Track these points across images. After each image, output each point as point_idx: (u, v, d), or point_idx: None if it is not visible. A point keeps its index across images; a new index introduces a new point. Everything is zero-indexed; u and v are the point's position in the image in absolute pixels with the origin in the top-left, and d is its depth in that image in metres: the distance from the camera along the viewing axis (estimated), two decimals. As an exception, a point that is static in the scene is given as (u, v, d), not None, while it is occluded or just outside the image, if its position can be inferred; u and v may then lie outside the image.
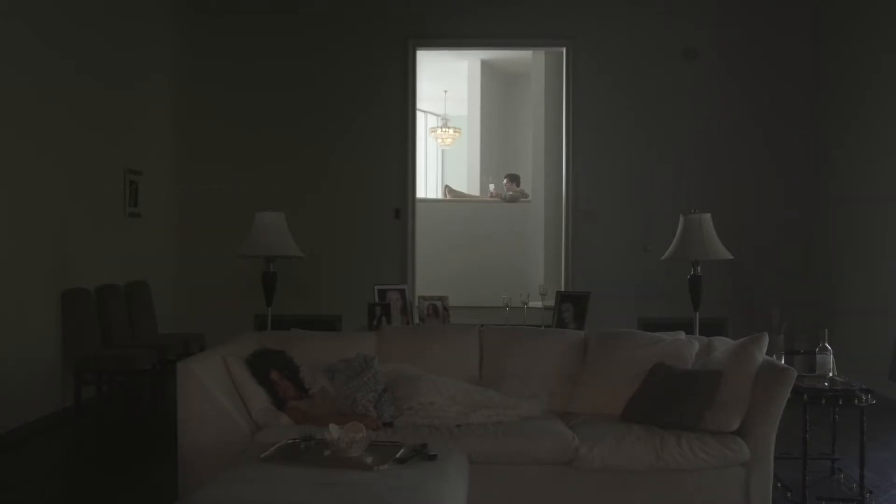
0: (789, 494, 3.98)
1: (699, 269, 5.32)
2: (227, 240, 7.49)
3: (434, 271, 8.63)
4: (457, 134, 14.15)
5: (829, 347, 4.18)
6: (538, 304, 9.27)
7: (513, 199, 10.33)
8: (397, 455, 3.33)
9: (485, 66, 12.75)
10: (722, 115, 7.82)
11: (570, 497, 3.80)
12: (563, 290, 8.06)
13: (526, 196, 10.40)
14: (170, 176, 7.85)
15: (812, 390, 3.95)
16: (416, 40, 7.90)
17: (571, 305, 5.35)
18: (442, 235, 9.33)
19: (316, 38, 7.92)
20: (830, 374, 4.14)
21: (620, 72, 7.86)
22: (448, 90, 13.24)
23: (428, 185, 13.41)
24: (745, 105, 7.82)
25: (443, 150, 14.88)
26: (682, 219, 5.30)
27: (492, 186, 10.93)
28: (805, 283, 7.67)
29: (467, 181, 13.31)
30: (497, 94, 12.93)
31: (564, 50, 7.99)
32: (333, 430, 3.35)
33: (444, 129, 14.05)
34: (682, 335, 4.74)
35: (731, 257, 5.27)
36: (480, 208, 10.51)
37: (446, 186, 11.09)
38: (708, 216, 5.25)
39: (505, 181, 10.63)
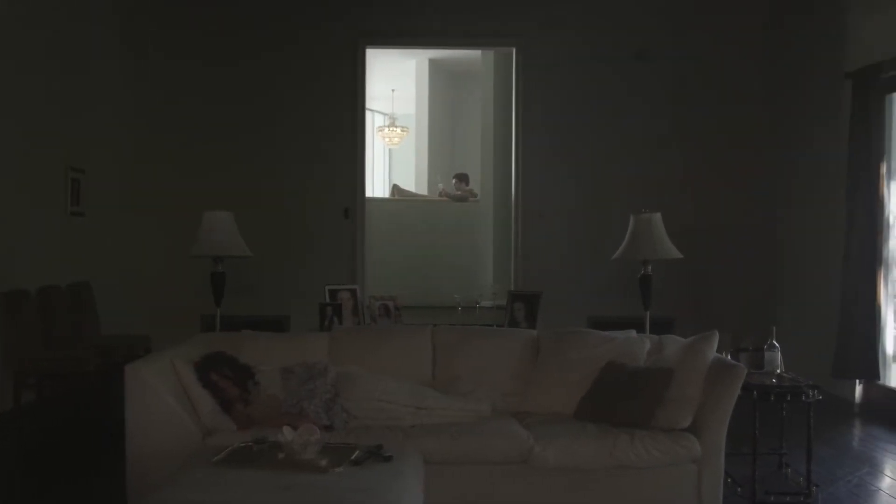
0: (739, 490, 4.05)
1: (649, 268, 5.39)
2: (174, 240, 7.38)
3: (383, 271, 8.60)
4: (404, 133, 14.13)
5: (777, 345, 4.27)
6: (488, 303, 9.32)
7: (462, 199, 10.34)
8: (352, 457, 3.30)
9: (433, 65, 12.74)
10: (671, 116, 7.93)
11: (525, 496, 3.81)
12: (512, 289, 8.12)
13: (475, 195, 10.43)
14: (115, 175, 7.66)
15: (761, 387, 4.03)
16: (366, 39, 7.85)
17: (523, 305, 5.37)
18: (391, 235, 9.29)
19: (265, 37, 7.82)
20: (778, 371, 4.23)
21: (570, 72, 7.91)
22: (395, 89, 13.21)
23: (375, 184, 13.34)
24: (694, 107, 7.93)
25: (389, 150, 14.85)
26: (632, 219, 5.36)
27: (441, 186, 10.93)
28: (751, 282, 7.82)
29: (415, 180, 13.29)
30: (445, 93, 12.94)
31: (514, 50, 8.01)
32: (287, 433, 3.31)
33: (391, 129, 14.02)
34: (633, 333, 4.79)
35: (680, 256, 5.34)
36: (429, 208, 10.50)
37: (394, 186, 11.05)
38: (658, 216, 5.31)
39: (454, 180, 10.64)
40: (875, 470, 5.06)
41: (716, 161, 7.92)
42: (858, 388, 6.38)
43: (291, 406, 3.95)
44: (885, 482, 4.89)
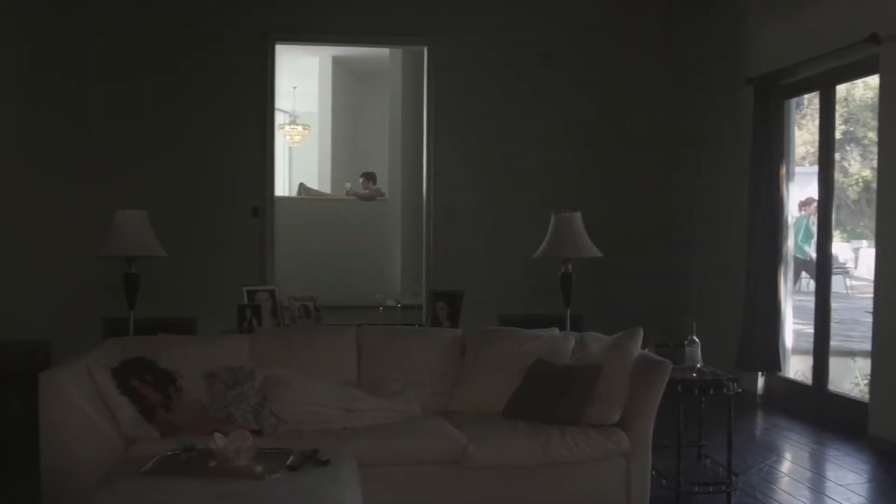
0: (664, 482, 4.16)
1: (570, 266, 5.47)
2: (74, 240, 7.04)
3: (292, 271, 8.44)
4: (306, 131, 13.92)
5: (697, 340, 4.40)
6: (393, 302, 9.27)
7: (369, 198, 10.27)
8: (288, 462, 3.21)
9: (336, 62, 12.59)
10: (581, 117, 8.07)
11: (459, 495, 3.81)
12: (425, 289, 8.11)
13: (383, 194, 10.37)
14: (5, 174, 7.23)
15: (685, 381, 4.14)
16: (276, 34, 7.67)
17: (445, 304, 5.36)
18: (299, 234, 9.13)
19: (172, 31, 7.52)
20: (698, 366, 4.36)
21: (482, 71, 7.94)
22: (297, 86, 12.99)
23: (276, 183, 13.07)
24: (600, 108, 8.10)
25: (290, 148, 14.60)
26: (553, 218, 5.43)
27: (348, 185, 10.82)
28: (657, 280, 8.05)
29: (318, 179, 13.11)
30: (350, 91, 12.80)
31: (426, 49, 7.99)
32: (219, 439, 3.19)
33: (292, 127, 13.79)
34: (556, 331, 4.86)
35: (600, 255, 5.45)
36: (337, 207, 10.38)
37: (301, 185, 10.86)
38: (578, 215, 5.40)
39: (361, 179, 10.55)
40: (780, 457, 5.31)
41: (622, 161, 8.10)
42: (760, 380, 6.66)
43: (218, 411, 3.83)
44: (791, 468, 5.14)
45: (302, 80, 12.66)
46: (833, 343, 6.22)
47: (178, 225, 7.03)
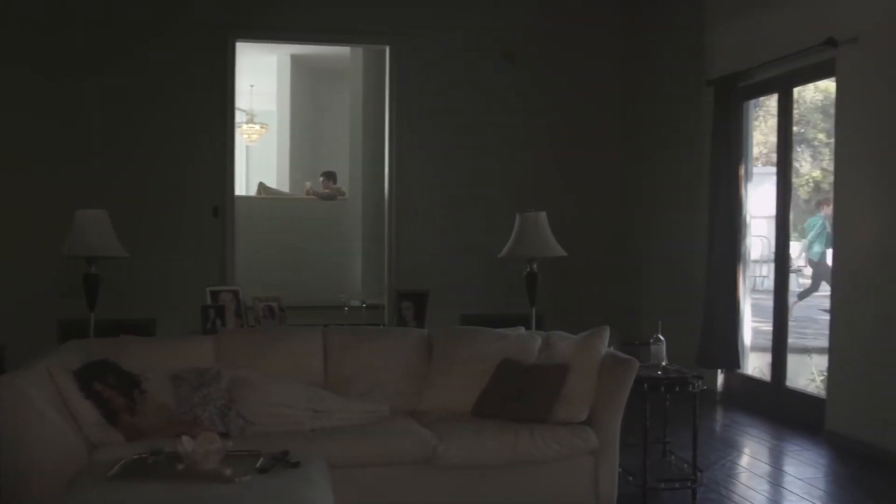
0: (631, 479, 4.20)
1: (535, 265, 5.49)
2: (30, 241, 6.88)
3: (252, 271, 8.35)
4: (263, 130, 13.79)
5: (662, 338, 4.45)
6: (356, 302, 9.22)
7: (330, 197, 10.21)
8: (257, 464, 3.18)
9: (295, 60, 12.50)
10: (543, 117, 8.11)
11: (429, 495, 3.80)
12: (386, 288, 8.08)
13: (343, 194, 10.32)
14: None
15: (651, 379, 4.18)
16: (237, 32, 7.57)
17: (411, 304, 5.35)
18: (259, 234, 9.04)
19: (132, 28, 7.37)
20: (664, 364, 4.41)
21: (444, 71, 7.94)
22: (254, 84, 12.85)
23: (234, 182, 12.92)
24: (564, 108, 8.15)
25: (247, 147, 14.45)
26: (518, 217, 5.44)
27: (308, 184, 10.74)
28: (618, 280, 8.13)
29: (276, 179, 13.00)
30: (309, 89, 12.73)
31: (388, 48, 7.96)
32: (187, 443, 3.14)
33: (249, 125, 13.65)
34: (522, 330, 4.88)
35: (565, 254, 5.48)
36: (297, 206, 10.31)
37: (260, 184, 10.75)
38: (543, 215, 5.43)
39: (321, 179, 10.48)
40: (741, 453, 5.40)
41: (584, 161, 8.16)
42: (720, 377, 6.77)
43: (184, 414, 3.77)
44: (752, 463, 5.23)
45: (259, 78, 12.53)
46: (789, 340, 6.35)
47: (136, 225, 6.89)
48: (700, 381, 4.22)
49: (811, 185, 10.76)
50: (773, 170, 6.53)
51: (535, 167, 8.07)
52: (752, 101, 6.74)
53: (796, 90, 6.30)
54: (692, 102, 7.02)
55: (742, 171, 6.52)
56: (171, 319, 6.84)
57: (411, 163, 7.98)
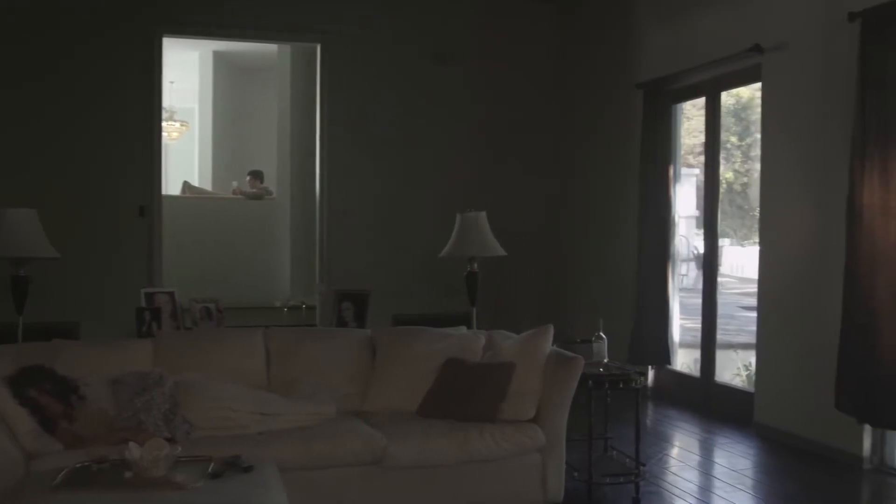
0: (576, 474, 4.26)
1: (475, 265, 5.52)
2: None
3: (179, 271, 8.14)
4: (183, 128, 13.46)
5: (604, 336, 4.53)
6: (280, 303, 9.11)
7: (257, 197, 10.05)
8: (209, 470, 3.11)
9: (218, 57, 12.24)
10: (476, 117, 8.15)
11: (380, 496, 3.79)
12: (317, 288, 7.99)
13: (270, 193, 10.18)
14: None
15: (595, 376, 4.25)
16: (164, 27, 7.37)
17: (352, 304, 5.31)
18: (185, 234, 8.83)
19: (55, 24, 7.09)
20: (605, 361, 4.49)
21: (377, 70, 7.90)
22: (174, 81, 12.52)
23: (157, 181, 12.56)
24: (497, 108, 8.21)
25: (166, 145, 14.06)
26: (459, 217, 5.47)
27: (234, 183, 10.54)
28: (550, 278, 8.24)
29: (198, 177, 12.71)
30: (233, 87, 12.48)
31: (319, 46, 7.88)
32: (134, 449, 3.05)
33: (169, 123, 13.29)
34: (464, 330, 4.91)
35: (505, 254, 5.53)
36: (224, 206, 10.10)
37: (185, 183, 10.49)
38: (483, 214, 5.46)
39: (248, 178, 10.31)
40: (676, 446, 5.55)
41: (518, 161, 8.24)
42: (651, 373, 6.93)
43: (126, 420, 3.65)
44: (687, 456, 5.38)
45: (180, 74, 12.22)
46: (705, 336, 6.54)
47: (60, 225, 6.60)
48: (642, 378, 4.31)
49: (724, 185, 11.13)
50: (691, 171, 6.72)
51: (469, 166, 8.10)
52: (680, 104, 6.92)
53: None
54: (623, 104, 7.16)
55: (671, 172, 6.69)
56: (98, 322, 6.63)
57: (343, 162, 7.92)
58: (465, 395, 4.12)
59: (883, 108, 4.50)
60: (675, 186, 6.78)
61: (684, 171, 7.11)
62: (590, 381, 4.21)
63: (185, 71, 12.14)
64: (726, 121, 9.95)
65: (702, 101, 6.57)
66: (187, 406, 3.76)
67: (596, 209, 7.72)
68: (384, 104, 7.94)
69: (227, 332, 4.67)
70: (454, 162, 8.11)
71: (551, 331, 4.27)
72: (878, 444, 4.82)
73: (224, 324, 5.09)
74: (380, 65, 7.92)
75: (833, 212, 4.92)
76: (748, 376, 6.92)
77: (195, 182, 12.05)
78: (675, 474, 4.83)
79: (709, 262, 6.48)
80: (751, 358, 7.39)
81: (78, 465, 3.13)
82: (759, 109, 5.87)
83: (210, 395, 3.84)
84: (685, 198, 7.35)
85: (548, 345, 4.22)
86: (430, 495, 3.85)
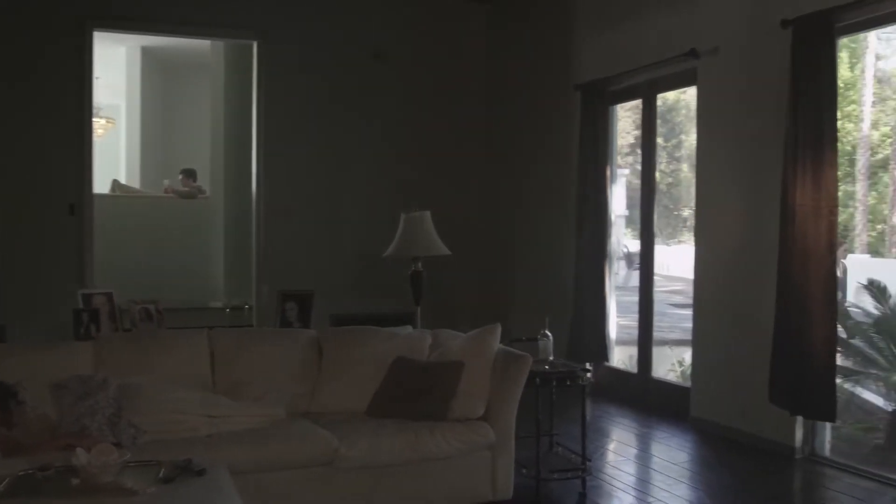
0: (524, 471, 4.31)
1: (420, 264, 5.53)
2: None
3: (111, 272, 7.93)
4: (109, 124, 13.10)
5: (549, 334, 4.60)
6: (218, 304, 8.97)
7: (190, 196, 9.85)
8: (160, 474, 3.05)
9: (146, 53, 11.95)
10: (414, 116, 8.17)
11: (332, 497, 3.77)
12: (254, 289, 7.90)
13: (203, 192, 9.99)
14: None
15: (543, 373, 4.32)
16: (94, 21, 7.17)
17: (296, 304, 5.26)
18: (117, 233, 8.60)
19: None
20: (551, 358, 4.56)
21: (315, 67, 7.84)
22: (99, 76, 12.16)
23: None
24: (435, 108, 8.24)
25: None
26: (403, 217, 5.47)
27: (166, 182, 10.31)
28: (489, 277, 8.31)
29: (126, 175, 12.38)
30: (162, 83, 12.20)
31: (256, 44, 7.77)
32: (81, 455, 2.96)
33: (95, 119, 12.91)
34: (409, 329, 4.93)
35: (449, 253, 5.55)
36: (155, 205, 9.87)
37: (114, 181, 10.21)
38: (428, 214, 5.48)
39: (181, 176, 10.09)
40: (617, 441, 5.67)
41: (457, 160, 8.30)
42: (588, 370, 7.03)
43: (70, 425, 3.55)
44: (628, 451, 5.51)
45: (105, 70, 11.87)
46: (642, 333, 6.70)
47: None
48: (588, 375, 4.39)
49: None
50: (621, 171, 6.84)
51: (408, 165, 8.12)
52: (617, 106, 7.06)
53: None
54: (560, 105, 7.27)
55: (608, 172, 6.81)
56: (28, 325, 6.39)
57: (280, 161, 7.84)
58: (415, 394, 4.14)
59: (814, 113, 4.67)
60: (612, 187, 6.91)
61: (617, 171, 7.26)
62: (537, 379, 4.27)
63: (112, 66, 11.81)
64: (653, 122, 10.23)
65: (630, 102, 6.71)
66: (133, 410, 3.68)
67: (535, 209, 7.81)
68: (322, 102, 7.89)
69: (171, 334, 4.58)
70: (393, 161, 8.11)
71: (499, 329, 4.31)
72: (809, 435, 5.02)
73: (165, 325, 4.99)
74: (317, 63, 7.87)
75: (766, 212, 5.10)
76: (682, 372, 7.11)
77: (123, 180, 11.74)
78: (618, 468, 4.94)
79: (645, 261, 6.63)
80: (684, 354, 7.61)
81: (21, 473, 3.03)
82: (684, 111, 6.04)
83: (156, 398, 3.76)
84: (616, 197, 7.50)
85: (496, 343, 4.27)
86: (381, 494, 3.85)
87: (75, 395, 3.65)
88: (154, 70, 12.14)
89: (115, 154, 12.87)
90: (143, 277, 8.21)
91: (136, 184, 11.79)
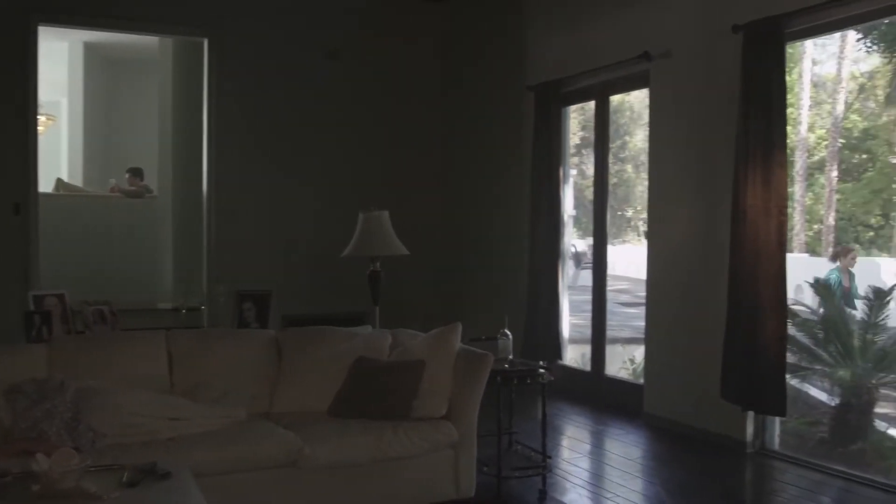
0: (485, 469, 4.34)
1: (378, 264, 5.52)
2: None
3: (56, 273, 7.74)
4: (50, 121, 12.77)
5: (509, 333, 4.64)
6: (168, 305, 8.82)
7: (137, 195, 9.67)
8: (124, 478, 3.00)
9: (89, 48, 11.68)
10: (369, 116, 8.15)
11: (296, 498, 3.75)
12: (205, 289, 7.79)
13: (151, 191, 9.81)
14: None
15: (503, 372, 4.35)
16: (40, 15, 6.99)
17: (253, 305, 5.21)
18: (62, 233, 8.39)
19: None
20: (510, 357, 4.60)
21: (268, 66, 7.77)
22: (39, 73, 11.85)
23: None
24: (390, 108, 8.23)
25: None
26: (361, 216, 5.45)
27: (112, 181, 10.10)
28: (443, 276, 8.33)
29: (68, 174, 12.09)
30: (105, 80, 11.94)
31: (206, 41, 7.66)
32: (41, 461, 2.90)
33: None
34: (369, 329, 4.93)
35: (408, 253, 5.55)
36: (101, 204, 9.65)
37: (58, 180, 9.96)
38: (386, 214, 5.47)
39: (127, 175, 9.89)
40: (573, 439, 5.75)
41: (412, 160, 8.30)
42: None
43: (26, 430, 3.47)
44: (584, 448, 5.58)
45: (46, 65, 11.55)
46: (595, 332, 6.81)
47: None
48: (547, 373, 4.45)
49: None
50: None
51: (362, 164, 8.10)
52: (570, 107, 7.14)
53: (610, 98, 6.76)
54: (514, 105, 7.33)
55: (561, 173, 6.89)
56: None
57: (232, 160, 7.75)
58: (378, 394, 4.14)
59: (765, 115, 4.81)
60: (564, 187, 6.99)
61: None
62: (498, 378, 4.31)
63: (52, 62, 11.51)
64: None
65: (575, 104, 6.82)
66: (92, 414, 3.60)
67: (490, 209, 7.86)
68: (275, 101, 7.83)
69: (127, 336, 4.51)
70: (347, 160, 8.08)
71: (459, 328, 4.35)
72: (760, 430, 5.16)
73: (119, 327, 4.89)
74: (270, 61, 7.80)
75: (718, 212, 5.22)
76: (634, 369, 7.23)
77: (65, 178, 11.46)
78: (576, 465, 5.01)
79: (598, 261, 6.73)
80: (635, 352, 7.74)
81: (-22, 480, 2.96)
82: (628, 113, 6.14)
83: (116, 401, 3.69)
84: (567, 198, 7.59)
85: (457, 342, 4.30)
86: (346, 494, 3.85)
87: (31, 399, 3.57)
88: (98, 66, 11.88)
89: (55, 152, 12.56)
90: (90, 278, 8.02)
91: (78, 183, 11.53)
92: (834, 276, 7.16)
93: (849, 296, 6.93)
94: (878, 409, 6.00)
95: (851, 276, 7.36)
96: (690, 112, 5.62)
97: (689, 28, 5.59)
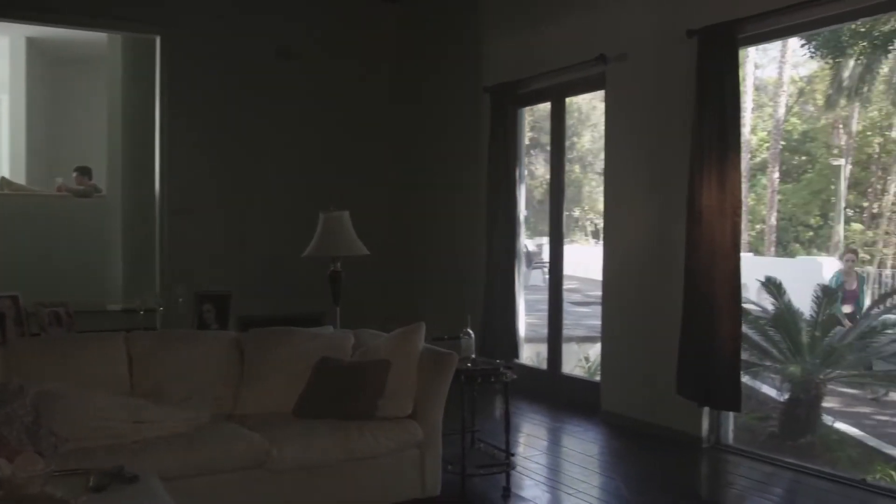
0: (450, 467, 4.37)
1: (339, 264, 5.51)
2: None
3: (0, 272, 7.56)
4: (-11, 118, 12.46)
5: (471, 332, 4.68)
6: (117, 307, 8.66)
7: (84, 194, 9.46)
8: (90, 483, 2.96)
9: (32, 44, 11.39)
10: (320, 115, 8.11)
11: (264, 499, 3.73)
12: (158, 290, 7.67)
13: (99, 191, 9.61)
14: None
15: (467, 371, 4.39)
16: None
17: (213, 306, 5.16)
18: (5, 233, 8.18)
19: None
20: (473, 356, 4.64)
21: (221, 64, 7.68)
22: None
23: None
24: (342, 106, 8.20)
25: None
26: (322, 216, 5.44)
27: (59, 179, 9.87)
28: (399, 276, 8.32)
29: (10, 172, 11.78)
30: (50, 76, 11.64)
31: (158, 39, 7.55)
32: (4, 466, 2.85)
33: (-29, 113, 12.25)
34: (330, 329, 4.92)
35: (368, 253, 5.55)
36: (47, 203, 9.42)
37: (2, 178, 9.70)
38: (346, 214, 5.46)
39: (74, 174, 9.68)
40: (531, 436, 5.81)
41: (365, 160, 8.28)
42: (500, 368, 7.17)
43: (-14, 434, 3.38)
44: (543, 445, 5.65)
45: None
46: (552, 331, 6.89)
47: None
48: (510, 372, 4.49)
49: (544, 186, 11.70)
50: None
51: (319, 165, 8.06)
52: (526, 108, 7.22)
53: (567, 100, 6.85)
54: (470, 106, 7.38)
55: (517, 173, 6.96)
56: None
57: (184, 160, 7.65)
58: (343, 394, 4.14)
59: (719, 118, 4.92)
60: (519, 187, 7.06)
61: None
62: (462, 377, 4.34)
63: (-5, 58, 11.23)
64: (545, 124, 10.49)
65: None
66: (53, 417, 3.53)
67: (447, 209, 7.88)
68: (229, 99, 7.75)
69: (85, 338, 4.41)
70: (302, 160, 8.04)
71: (423, 328, 4.37)
72: (714, 425, 5.29)
73: (75, 329, 4.79)
74: (223, 59, 7.71)
75: (673, 213, 5.33)
76: (589, 367, 7.35)
77: (6, 175, 11.17)
78: (537, 462, 5.07)
79: (555, 261, 6.81)
80: (589, 350, 7.86)
81: (-61, 487, 2.88)
82: (576, 114, 6.23)
83: (77, 405, 3.63)
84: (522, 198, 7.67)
85: (420, 341, 4.32)
86: (313, 495, 3.85)
87: (-10, 404, 3.49)
88: (41, 62, 11.59)
89: (-1, 149, 12.25)
90: (36, 279, 7.84)
91: (21, 180, 11.24)
92: (835, 278, 7.27)
93: (856, 298, 7.00)
94: (825, 404, 6.21)
95: (861, 279, 7.46)
96: (646, 114, 5.73)
97: (644, 32, 5.70)
